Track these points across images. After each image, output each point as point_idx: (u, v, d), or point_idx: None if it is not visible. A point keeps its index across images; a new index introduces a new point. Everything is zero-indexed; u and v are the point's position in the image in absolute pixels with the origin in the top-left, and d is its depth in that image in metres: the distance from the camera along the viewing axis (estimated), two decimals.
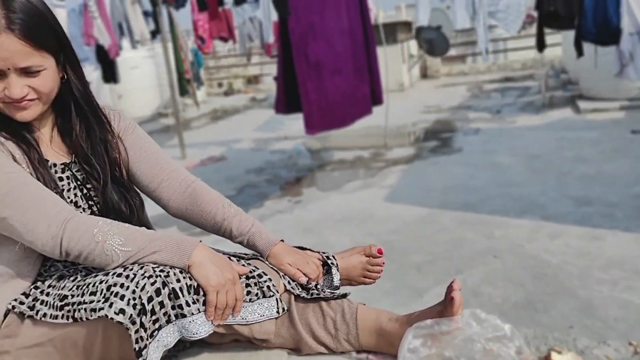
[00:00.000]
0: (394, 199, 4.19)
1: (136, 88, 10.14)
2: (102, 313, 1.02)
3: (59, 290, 1.14)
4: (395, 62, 9.51)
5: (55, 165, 1.25)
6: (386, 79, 5.59)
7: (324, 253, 1.44)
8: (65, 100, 1.26)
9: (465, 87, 10.20)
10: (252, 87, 13.69)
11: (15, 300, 1.16)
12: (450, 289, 1.19)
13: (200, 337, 1.11)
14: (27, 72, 1.12)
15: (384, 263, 1.47)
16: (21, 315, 1.15)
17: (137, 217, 1.34)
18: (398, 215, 3.79)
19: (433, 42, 8.59)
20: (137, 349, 1.02)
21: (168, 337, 1.07)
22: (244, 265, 1.23)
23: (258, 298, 1.20)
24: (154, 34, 6.03)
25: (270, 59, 11.18)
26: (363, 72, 4.89)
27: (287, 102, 4.54)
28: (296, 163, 5.89)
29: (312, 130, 4.56)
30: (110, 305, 1.01)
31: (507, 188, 4.13)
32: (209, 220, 1.35)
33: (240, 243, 1.37)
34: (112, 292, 1.03)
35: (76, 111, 1.27)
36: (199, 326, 1.09)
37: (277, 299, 1.21)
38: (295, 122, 8.15)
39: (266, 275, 1.24)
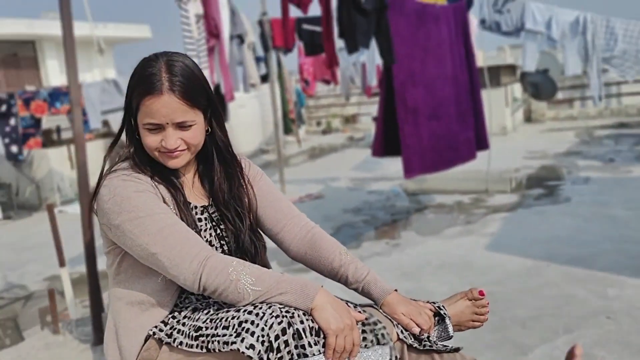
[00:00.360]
0: (496, 248, 4.06)
1: (242, 125, 10.73)
2: (234, 347, 1.11)
3: (193, 321, 1.25)
4: (498, 105, 9.33)
5: (195, 207, 1.39)
6: (489, 123, 5.51)
7: (434, 303, 1.46)
8: (208, 150, 1.40)
9: (573, 133, 9.73)
10: (349, 126, 13.98)
11: (156, 327, 1.29)
12: (571, 354, 1.16)
13: None
14: (181, 126, 1.28)
15: (488, 303, 1.48)
16: (159, 341, 1.28)
17: (260, 258, 1.45)
18: (500, 266, 3.67)
19: (539, 85, 8.34)
20: None
21: None
22: (360, 312, 1.29)
23: (373, 345, 1.24)
24: (265, 77, 6.41)
25: (368, 99, 11.41)
26: (467, 117, 4.87)
27: (385, 145, 4.62)
28: (393, 205, 5.90)
29: (409, 174, 4.59)
30: (242, 340, 1.10)
31: (622, 244, 3.87)
32: (327, 266, 1.43)
33: (355, 290, 1.43)
34: (244, 327, 1.12)
35: (218, 160, 1.41)
36: None
37: (390, 347, 1.25)
38: (392, 163, 8.17)
39: (381, 323, 1.28)
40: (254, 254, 1.43)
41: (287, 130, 7.38)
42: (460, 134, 4.88)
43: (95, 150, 7.28)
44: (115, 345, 1.34)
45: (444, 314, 1.42)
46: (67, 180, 7.98)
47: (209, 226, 1.40)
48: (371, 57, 6.67)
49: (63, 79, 11.87)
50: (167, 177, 1.35)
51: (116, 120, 7.67)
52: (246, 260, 1.29)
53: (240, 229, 1.41)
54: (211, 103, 1.35)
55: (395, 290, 1.41)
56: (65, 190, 7.95)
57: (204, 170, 1.44)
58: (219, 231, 1.41)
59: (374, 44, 4.24)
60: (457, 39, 4.88)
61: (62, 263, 3.06)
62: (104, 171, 1.34)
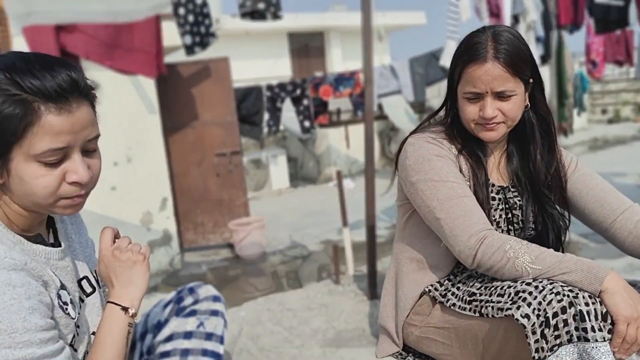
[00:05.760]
0: None
1: None
2: (508, 313, 1.09)
3: (468, 287, 1.27)
4: None
5: (493, 185, 1.37)
6: None
7: None
8: (523, 128, 1.36)
9: None
10: None
11: (431, 286, 1.36)
12: None
13: None
14: (500, 96, 1.26)
15: None
16: (433, 299, 1.34)
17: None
18: None
19: None
20: (536, 357, 1.06)
21: (567, 356, 1.06)
22: None
23: None
24: (544, 59, 5.96)
25: None
26: None
27: None
28: None
29: None
30: (518, 308, 1.08)
31: None
32: None
33: None
34: (520, 297, 1.10)
35: (535, 140, 1.36)
36: (602, 355, 1.05)
37: None
38: None
39: None
40: (553, 244, 1.37)
41: (561, 119, 6.71)
42: None
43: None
44: (393, 293, 1.45)
45: None
46: (343, 157, 8.82)
47: (500, 207, 1.36)
48: None
49: (345, 65, 13.05)
50: (474, 152, 1.35)
51: (389, 104, 8.11)
52: None
53: (551, 213, 1.35)
54: (535, 75, 1.31)
55: None
56: (340, 166, 8.80)
57: (514, 150, 1.40)
58: (510, 215, 1.37)
59: None
60: None
61: (345, 223, 3.40)
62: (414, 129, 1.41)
